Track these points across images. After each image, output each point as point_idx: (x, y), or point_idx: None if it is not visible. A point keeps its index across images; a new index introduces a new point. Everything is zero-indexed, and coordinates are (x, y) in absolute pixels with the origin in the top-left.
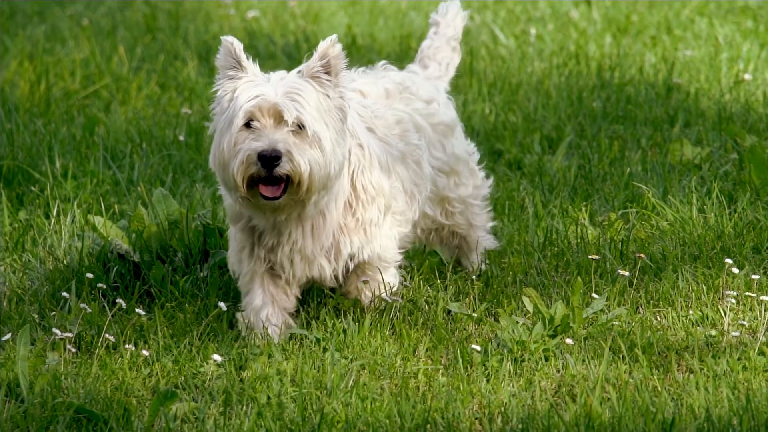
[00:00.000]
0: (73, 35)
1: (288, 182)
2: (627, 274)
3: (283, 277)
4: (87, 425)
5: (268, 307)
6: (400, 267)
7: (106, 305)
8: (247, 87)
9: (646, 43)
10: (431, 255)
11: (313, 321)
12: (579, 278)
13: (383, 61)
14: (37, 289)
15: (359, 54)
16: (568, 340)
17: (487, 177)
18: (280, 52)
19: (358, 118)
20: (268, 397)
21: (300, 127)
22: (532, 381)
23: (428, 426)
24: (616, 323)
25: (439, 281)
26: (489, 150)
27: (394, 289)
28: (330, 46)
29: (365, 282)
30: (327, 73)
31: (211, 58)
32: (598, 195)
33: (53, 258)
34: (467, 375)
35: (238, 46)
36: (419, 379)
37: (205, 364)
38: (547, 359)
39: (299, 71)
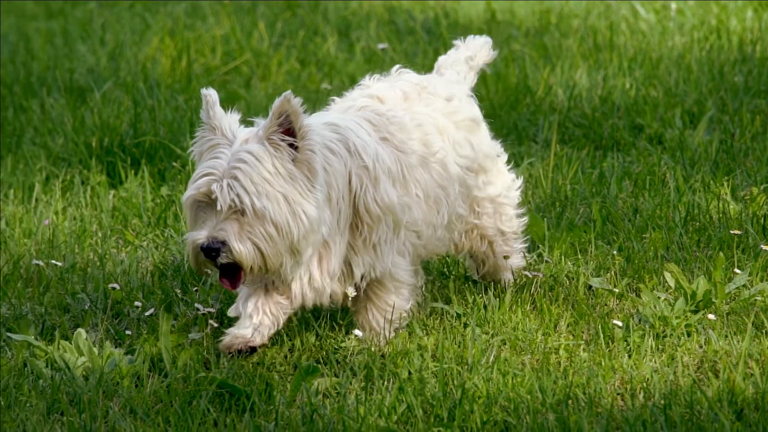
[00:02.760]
0: (213, 11)
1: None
2: None
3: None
4: (229, 400)
5: (260, 297)
6: (416, 287)
7: None
8: (205, 157)
9: None
10: (571, 230)
11: (454, 296)
12: (721, 253)
13: (398, 65)
14: (179, 264)
15: (498, 29)
16: (711, 316)
17: (517, 178)
18: (419, 28)
19: (371, 130)
20: (410, 372)
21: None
22: (674, 357)
23: (569, 401)
24: (759, 298)
25: (580, 256)
26: (630, 125)
27: (404, 314)
28: (285, 103)
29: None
30: (287, 131)
31: (351, 33)
32: (740, 169)
33: None
34: (609, 350)
35: (212, 101)
36: (560, 355)
37: (346, 339)
38: (689, 335)
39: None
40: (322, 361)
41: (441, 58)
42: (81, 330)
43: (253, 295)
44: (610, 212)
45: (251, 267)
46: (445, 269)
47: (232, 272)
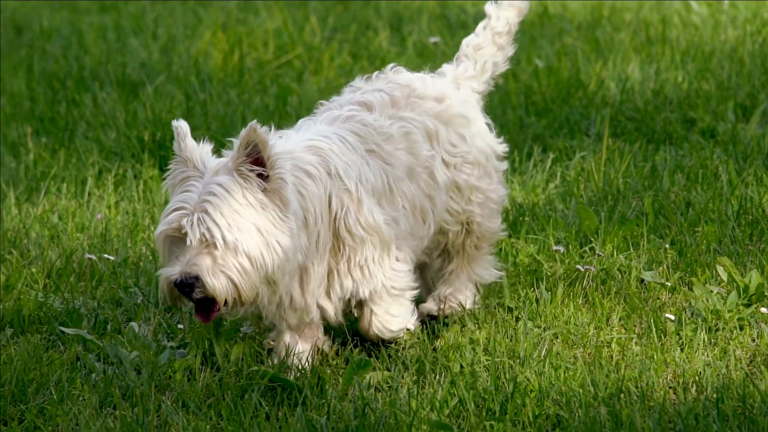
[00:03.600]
0: (265, 6)
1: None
2: None
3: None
4: (281, 393)
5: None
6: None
7: None
8: (177, 191)
9: None
10: (623, 224)
11: (506, 290)
12: None
13: (393, 63)
14: None
15: (550, 23)
16: (763, 309)
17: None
18: (471, 21)
19: (357, 143)
20: (461, 366)
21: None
22: (727, 350)
23: (622, 395)
24: None
25: (632, 250)
26: (682, 118)
27: (409, 325)
28: (251, 133)
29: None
30: (256, 160)
31: (403, 27)
32: None
33: None
34: (661, 344)
35: (183, 132)
36: (612, 348)
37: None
38: (741, 328)
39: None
40: (374, 354)
41: (466, 40)
42: (133, 324)
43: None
44: (663, 206)
45: (226, 300)
46: (498, 263)
47: (208, 306)
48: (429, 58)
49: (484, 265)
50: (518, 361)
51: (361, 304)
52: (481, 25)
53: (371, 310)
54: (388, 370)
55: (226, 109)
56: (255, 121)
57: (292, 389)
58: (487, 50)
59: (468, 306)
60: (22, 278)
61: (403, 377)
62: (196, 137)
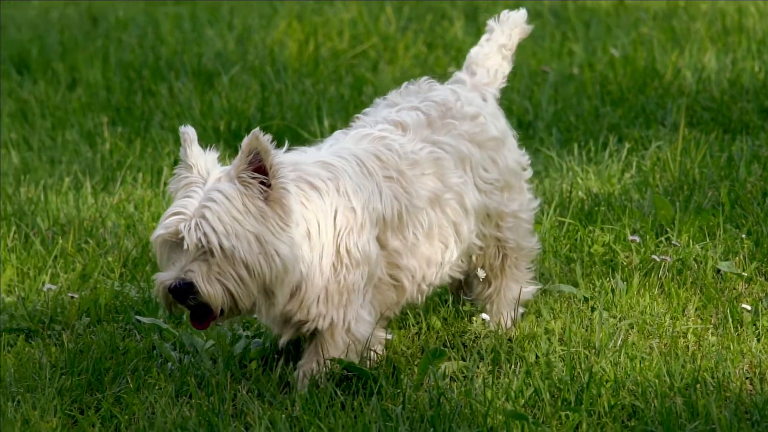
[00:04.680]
0: None
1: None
2: None
3: None
4: (357, 383)
5: None
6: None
7: None
8: (179, 196)
9: None
10: (699, 214)
11: (581, 280)
12: None
13: (426, 77)
14: None
15: (626, 13)
16: None
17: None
18: (547, 11)
19: (376, 168)
20: (537, 356)
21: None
22: None
23: (698, 386)
24: None
25: (708, 240)
26: (759, 108)
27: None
28: (254, 140)
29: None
30: (258, 168)
31: (480, 17)
32: None
33: None
34: (737, 334)
35: (190, 138)
36: (688, 339)
37: (470, 323)
38: None
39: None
40: (449, 344)
41: (473, 51)
42: None
43: None
44: (739, 196)
45: (221, 309)
46: (572, 253)
47: (204, 313)
48: None
49: (523, 283)
50: (594, 351)
51: (314, 334)
52: (484, 38)
53: (321, 344)
54: (464, 359)
55: (301, 99)
56: (258, 128)
57: (367, 378)
58: (494, 59)
59: (508, 326)
60: (98, 267)
61: (478, 367)
62: (271, 128)
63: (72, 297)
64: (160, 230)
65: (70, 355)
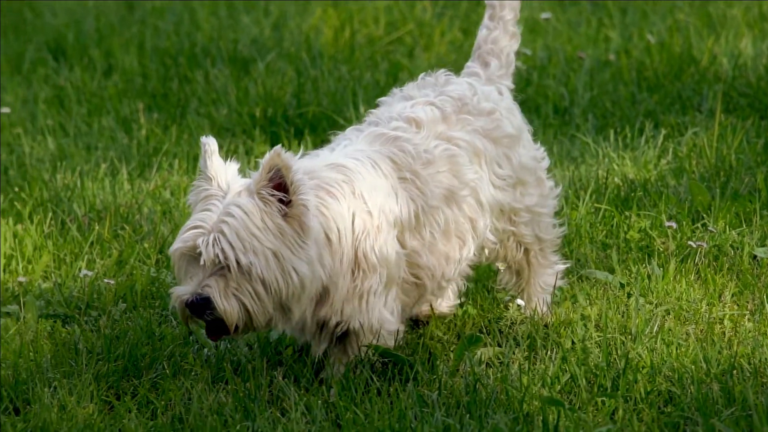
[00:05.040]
0: None
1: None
2: None
3: None
4: (392, 369)
5: None
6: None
7: None
8: (198, 208)
9: None
10: (735, 200)
11: (617, 266)
12: None
13: (443, 70)
14: None
15: (663, 0)
16: None
17: (556, 186)
18: None
19: (390, 171)
20: (573, 342)
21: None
22: None
23: (734, 372)
24: None
25: (744, 226)
26: None
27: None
28: (275, 157)
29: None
30: (278, 185)
31: None
32: None
33: None
34: None
35: (210, 150)
36: (725, 325)
37: (506, 310)
38: None
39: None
40: (485, 330)
41: (481, 36)
42: None
43: None
44: None
45: (237, 324)
46: (608, 239)
47: (220, 328)
48: (540, 34)
49: (549, 272)
50: (630, 337)
51: (344, 335)
52: (486, 17)
53: (351, 343)
54: (499, 345)
55: (337, 86)
56: (279, 145)
57: (403, 364)
58: (504, 41)
59: (543, 312)
60: (134, 254)
61: (514, 353)
62: (307, 114)
63: (108, 283)
64: (178, 244)
65: (107, 341)
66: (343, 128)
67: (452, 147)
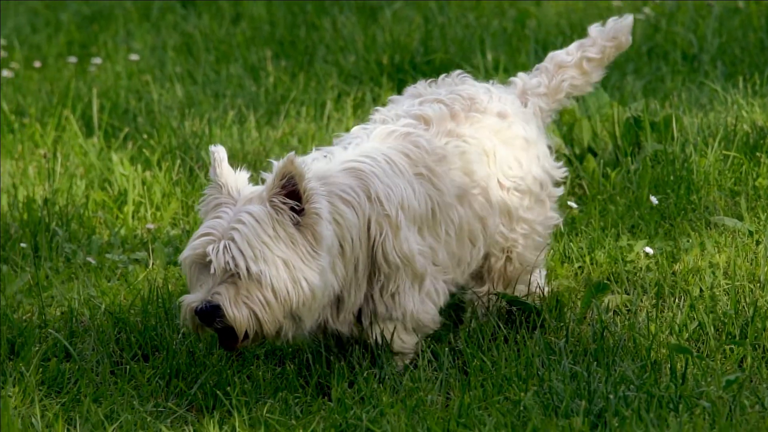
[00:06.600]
0: None
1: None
2: None
3: None
4: (519, 316)
5: None
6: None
7: None
8: (208, 216)
9: None
10: None
11: (746, 213)
12: None
13: (459, 71)
14: None
15: None
16: None
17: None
18: None
19: (406, 166)
20: (701, 290)
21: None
22: None
23: None
24: None
25: None
26: None
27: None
28: (288, 164)
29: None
30: (290, 193)
31: None
32: None
33: None
34: None
35: (219, 158)
36: None
37: (635, 256)
38: None
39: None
40: (612, 278)
41: (555, 54)
42: None
43: None
44: None
45: (247, 333)
46: (737, 186)
47: (231, 336)
48: None
49: (519, 286)
50: (759, 285)
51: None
52: (576, 43)
53: (385, 328)
54: (627, 293)
55: (464, 33)
56: (293, 152)
57: (530, 311)
58: (569, 72)
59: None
60: None
61: (642, 301)
62: (434, 61)
63: None
64: (188, 251)
65: None
66: (470, 75)
67: (462, 143)
